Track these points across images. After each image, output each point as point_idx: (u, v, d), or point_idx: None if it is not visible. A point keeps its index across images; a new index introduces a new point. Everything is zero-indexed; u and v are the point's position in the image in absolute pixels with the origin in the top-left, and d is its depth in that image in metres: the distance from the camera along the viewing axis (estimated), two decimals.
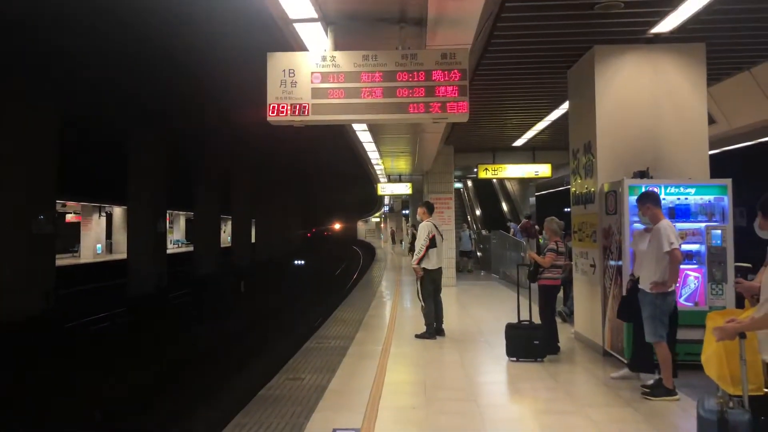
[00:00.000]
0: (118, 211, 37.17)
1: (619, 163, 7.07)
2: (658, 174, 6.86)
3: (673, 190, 6.49)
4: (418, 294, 8.49)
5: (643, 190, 6.45)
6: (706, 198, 6.44)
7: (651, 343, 5.75)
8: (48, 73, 15.41)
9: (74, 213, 34.58)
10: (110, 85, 16.80)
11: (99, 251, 34.65)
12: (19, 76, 15.06)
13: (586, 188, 7.64)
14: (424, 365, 6.84)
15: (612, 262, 6.73)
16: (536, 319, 7.13)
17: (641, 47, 7.14)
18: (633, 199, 6.42)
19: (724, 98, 9.11)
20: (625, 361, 6.22)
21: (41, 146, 16.67)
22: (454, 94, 4.68)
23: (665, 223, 5.44)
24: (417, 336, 8.22)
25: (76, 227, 34.71)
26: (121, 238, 35.78)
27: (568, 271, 8.38)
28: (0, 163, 15.66)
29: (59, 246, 24.90)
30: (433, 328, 8.27)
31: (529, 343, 6.79)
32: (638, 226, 6.21)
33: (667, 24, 6.50)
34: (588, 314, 7.62)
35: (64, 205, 31.95)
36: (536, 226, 20.59)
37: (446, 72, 4.67)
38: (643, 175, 6.77)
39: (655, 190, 6.20)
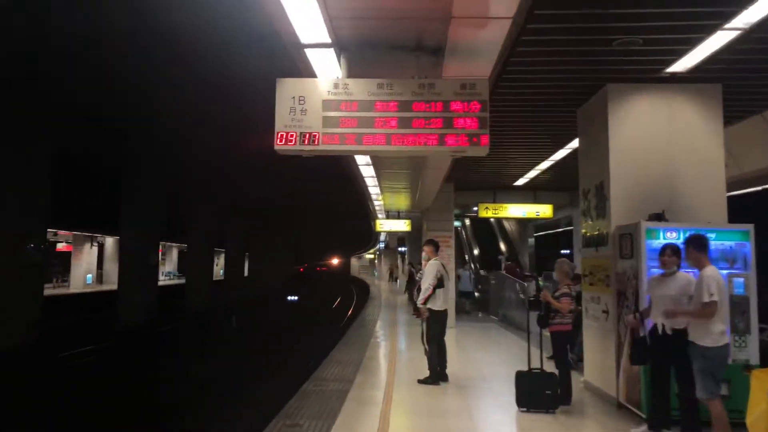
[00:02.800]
0: (110, 241, 36.71)
1: (633, 204, 6.81)
2: (674, 217, 6.59)
3: (692, 234, 6.20)
4: (422, 336, 8.10)
5: (662, 233, 6.22)
6: (727, 243, 6.15)
7: (667, 397, 5.45)
8: (41, 101, 15.15)
9: (66, 242, 34.08)
10: (106, 113, 16.50)
11: (89, 281, 34.07)
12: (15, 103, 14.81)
13: (598, 230, 7.35)
14: (428, 414, 6.44)
15: (627, 309, 6.40)
16: (547, 367, 6.77)
17: (656, 86, 6.95)
18: (651, 242, 6.17)
19: (734, 141, 8.91)
20: (643, 416, 5.87)
21: (34, 174, 16.35)
22: (474, 126, 4.42)
23: (710, 270, 5.12)
24: (420, 381, 7.80)
25: (66, 257, 34.18)
26: (112, 268, 35.28)
27: (576, 316, 8.05)
28: None
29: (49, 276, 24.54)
30: (437, 374, 7.87)
31: (541, 393, 6.42)
32: (655, 271, 5.95)
33: (685, 63, 6.31)
34: (600, 363, 7.25)
35: (55, 234, 31.51)
36: (518, 269, 20.45)
37: (465, 103, 4.43)
38: (659, 217, 6.50)
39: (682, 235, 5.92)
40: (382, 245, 48.19)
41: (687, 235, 5.73)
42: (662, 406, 5.47)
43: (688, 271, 5.69)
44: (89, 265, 34.62)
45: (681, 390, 5.31)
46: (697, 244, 5.28)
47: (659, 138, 6.96)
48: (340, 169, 14.81)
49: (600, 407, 6.79)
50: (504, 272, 19.17)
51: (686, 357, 5.12)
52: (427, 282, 7.95)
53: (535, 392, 6.43)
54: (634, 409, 6.15)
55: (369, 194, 16.14)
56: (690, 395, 5.12)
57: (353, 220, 40.84)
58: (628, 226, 6.52)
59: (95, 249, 35.34)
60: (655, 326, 5.52)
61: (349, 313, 26.98)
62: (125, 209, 23.30)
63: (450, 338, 12.36)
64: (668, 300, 5.31)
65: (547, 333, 7.00)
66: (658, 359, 5.48)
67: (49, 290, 24.93)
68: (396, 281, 38.15)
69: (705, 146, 6.93)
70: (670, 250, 5.51)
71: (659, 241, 6.11)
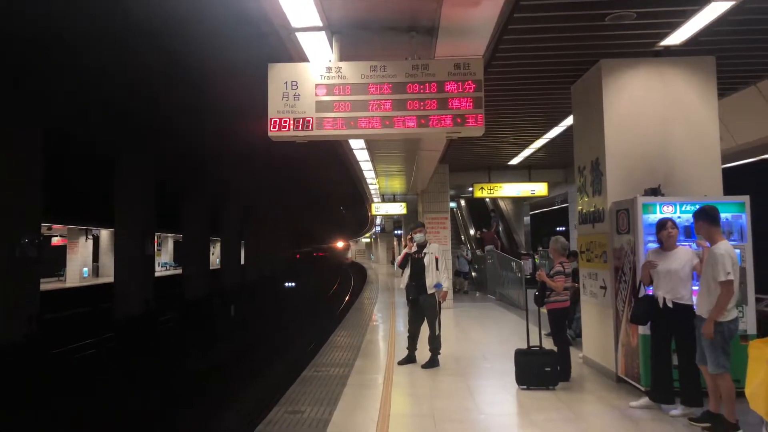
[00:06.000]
0: (105, 234, 36.55)
1: (629, 180, 6.81)
2: (670, 191, 6.61)
3: (688, 207, 6.20)
4: (438, 322, 7.97)
5: (658, 207, 6.23)
6: (724, 215, 6.15)
7: (669, 371, 5.48)
8: (33, 87, 14.98)
9: (60, 236, 33.96)
10: (98, 101, 16.35)
11: (85, 275, 34.00)
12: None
13: (595, 206, 7.36)
14: (429, 396, 6.46)
15: (625, 284, 6.43)
16: (546, 344, 6.81)
17: (649, 60, 6.93)
18: (647, 217, 6.18)
19: (729, 113, 8.91)
20: (642, 389, 5.92)
21: (25, 167, 16.18)
22: (469, 106, 4.39)
23: (723, 246, 4.92)
24: (424, 366, 7.77)
25: (62, 250, 34.07)
26: (107, 261, 35.18)
27: (572, 293, 8.08)
28: None
29: (45, 270, 24.44)
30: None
31: (541, 370, 6.45)
32: (653, 245, 5.97)
33: (678, 36, 6.29)
34: (598, 338, 7.30)
35: (50, 228, 31.36)
36: (496, 237, 20.56)
37: (460, 83, 4.39)
38: (655, 192, 6.50)
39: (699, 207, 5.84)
40: (378, 229, 48.20)
41: (697, 207, 5.49)
42: (664, 379, 5.50)
43: (683, 243, 5.73)
44: (85, 258, 34.52)
45: (682, 362, 5.34)
46: (709, 217, 5.07)
47: (654, 112, 6.94)
48: (334, 153, 14.76)
49: (599, 382, 6.84)
50: (479, 238, 19.34)
51: (689, 329, 5.14)
52: (444, 267, 7.97)
53: (535, 370, 6.46)
54: (633, 382, 6.20)
55: (364, 178, 16.11)
56: (691, 367, 5.16)
57: (349, 205, 40.84)
58: (625, 202, 6.52)
59: (90, 242, 35.20)
60: (652, 298, 5.55)
61: (347, 297, 27.05)
62: (119, 200, 23.16)
63: (448, 318, 12.49)
64: (672, 274, 5.32)
65: (544, 310, 7.03)
66: (660, 332, 5.50)
67: (45, 285, 24.89)
68: (392, 263, 38.20)
69: (699, 119, 6.91)
70: (671, 223, 5.50)
71: (656, 216, 6.13)
